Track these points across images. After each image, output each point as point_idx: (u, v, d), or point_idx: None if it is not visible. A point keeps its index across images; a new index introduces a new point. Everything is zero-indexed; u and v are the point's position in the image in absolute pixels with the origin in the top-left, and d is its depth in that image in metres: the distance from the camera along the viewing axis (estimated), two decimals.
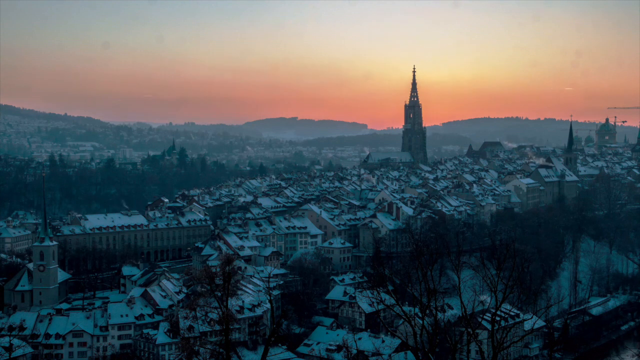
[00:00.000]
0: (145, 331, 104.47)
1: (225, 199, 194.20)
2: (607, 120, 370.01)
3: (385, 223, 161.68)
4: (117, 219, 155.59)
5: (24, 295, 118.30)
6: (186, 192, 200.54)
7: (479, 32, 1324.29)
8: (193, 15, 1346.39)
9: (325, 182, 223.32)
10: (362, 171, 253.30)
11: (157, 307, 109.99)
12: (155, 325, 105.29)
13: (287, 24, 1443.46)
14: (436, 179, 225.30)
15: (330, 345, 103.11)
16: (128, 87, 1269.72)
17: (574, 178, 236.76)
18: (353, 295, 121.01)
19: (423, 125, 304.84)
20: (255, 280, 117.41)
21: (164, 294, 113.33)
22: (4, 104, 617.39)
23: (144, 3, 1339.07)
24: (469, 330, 38.31)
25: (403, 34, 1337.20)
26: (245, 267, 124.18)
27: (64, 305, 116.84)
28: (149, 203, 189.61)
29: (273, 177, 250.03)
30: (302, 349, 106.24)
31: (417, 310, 38.37)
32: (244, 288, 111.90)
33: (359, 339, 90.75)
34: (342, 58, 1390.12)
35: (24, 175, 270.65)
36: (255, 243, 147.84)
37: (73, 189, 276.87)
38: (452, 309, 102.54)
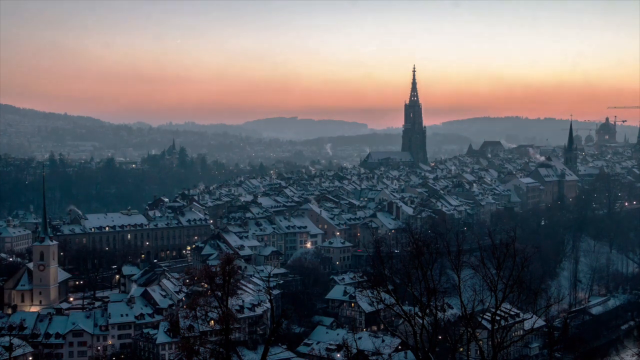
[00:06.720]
0: (145, 331, 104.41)
1: (225, 199, 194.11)
2: (607, 119, 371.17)
3: (385, 222, 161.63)
4: (117, 219, 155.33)
5: (24, 294, 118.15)
6: (186, 192, 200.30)
7: (479, 31, 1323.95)
8: (193, 15, 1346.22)
9: (325, 181, 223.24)
10: (362, 170, 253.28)
11: (157, 306, 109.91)
12: (155, 325, 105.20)
13: (287, 23, 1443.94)
14: (436, 179, 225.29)
15: (330, 344, 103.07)
16: (128, 87, 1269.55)
17: (574, 177, 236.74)
18: (353, 294, 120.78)
19: (423, 124, 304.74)
20: (255, 279, 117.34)
21: (164, 293, 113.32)
22: (4, 104, 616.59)
23: (144, 3, 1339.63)
24: (469, 329, 38.34)
25: (403, 33, 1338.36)
26: (245, 267, 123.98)
27: (64, 305, 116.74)
28: (149, 202, 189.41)
29: (273, 176, 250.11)
30: (302, 348, 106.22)
31: (417, 309, 38.37)
32: (244, 287, 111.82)
33: (359, 338, 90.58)
34: (342, 58, 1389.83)
35: (24, 175, 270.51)
36: (255, 242, 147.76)
37: (73, 188, 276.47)
38: (452, 308, 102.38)
